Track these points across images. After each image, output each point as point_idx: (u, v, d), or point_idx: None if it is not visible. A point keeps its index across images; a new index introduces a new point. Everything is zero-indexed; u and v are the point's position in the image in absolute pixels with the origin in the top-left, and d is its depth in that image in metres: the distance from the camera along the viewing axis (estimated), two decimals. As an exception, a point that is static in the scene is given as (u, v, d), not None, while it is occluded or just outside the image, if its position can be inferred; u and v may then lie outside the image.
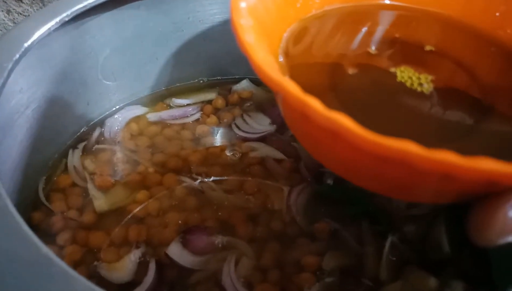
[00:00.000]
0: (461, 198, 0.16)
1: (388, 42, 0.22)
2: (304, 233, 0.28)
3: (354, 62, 0.21)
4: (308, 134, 0.18)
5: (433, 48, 0.21)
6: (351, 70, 0.20)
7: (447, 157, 0.12)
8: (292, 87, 0.14)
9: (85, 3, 0.29)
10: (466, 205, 0.17)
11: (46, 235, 0.28)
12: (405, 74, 0.19)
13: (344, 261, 0.27)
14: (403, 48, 0.22)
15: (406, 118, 0.18)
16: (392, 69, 0.20)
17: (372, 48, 0.21)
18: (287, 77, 0.18)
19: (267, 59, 0.16)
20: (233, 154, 0.33)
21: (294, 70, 0.20)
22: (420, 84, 0.19)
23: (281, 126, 0.36)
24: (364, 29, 0.22)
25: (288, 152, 0.33)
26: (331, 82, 0.20)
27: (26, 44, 0.26)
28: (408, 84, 0.19)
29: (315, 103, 0.14)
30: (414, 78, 0.19)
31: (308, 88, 0.16)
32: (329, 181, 0.31)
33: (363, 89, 0.20)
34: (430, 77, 0.19)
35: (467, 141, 0.18)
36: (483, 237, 0.15)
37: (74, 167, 0.32)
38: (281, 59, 0.20)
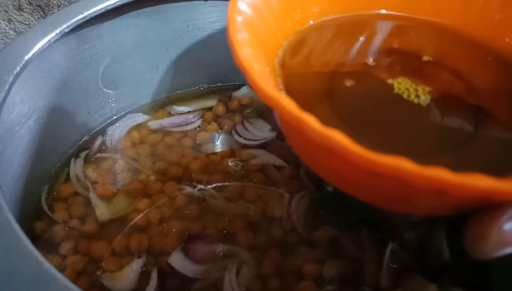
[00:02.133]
0: (457, 211, 0.16)
1: (386, 52, 0.22)
2: (304, 240, 0.28)
3: (352, 73, 0.21)
4: (304, 149, 0.18)
5: (430, 59, 0.21)
6: (348, 82, 0.20)
7: (439, 174, 0.12)
8: (287, 104, 0.14)
9: (85, 14, 0.30)
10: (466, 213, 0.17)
11: (49, 244, 0.28)
12: (402, 85, 0.19)
13: (344, 269, 0.27)
14: (400, 59, 0.22)
15: (403, 131, 0.18)
16: (390, 81, 0.20)
17: (370, 60, 0.21)
18: (283, 93, 0.18)
19: (263, 74, 0.17)
20: (234, 164, 0.33)
21: (291, 81, 0.20)
22: (417, 96, 0.19)
23: (281, 133, 0.36)
24: (361, 40, 0.22)
25: (288, 159, 0.34)
26: (328, 93, 0.20)
27: (26, 57, 0.26)
28: (405, 96, 0.19)
29: (310, 120, 0.14)
30: (411, 89, 0.19)
31: (305, 100, 0.16)
32: (329, 188, 0.31)
33: (360, 101, 0.20)
34: (427, 89, 0.19)
35: (464, 152, 0.18)
36: (478, 251, 0.15)
37: (76, 176, 0.32)
38: (278, 70, 0.20)
